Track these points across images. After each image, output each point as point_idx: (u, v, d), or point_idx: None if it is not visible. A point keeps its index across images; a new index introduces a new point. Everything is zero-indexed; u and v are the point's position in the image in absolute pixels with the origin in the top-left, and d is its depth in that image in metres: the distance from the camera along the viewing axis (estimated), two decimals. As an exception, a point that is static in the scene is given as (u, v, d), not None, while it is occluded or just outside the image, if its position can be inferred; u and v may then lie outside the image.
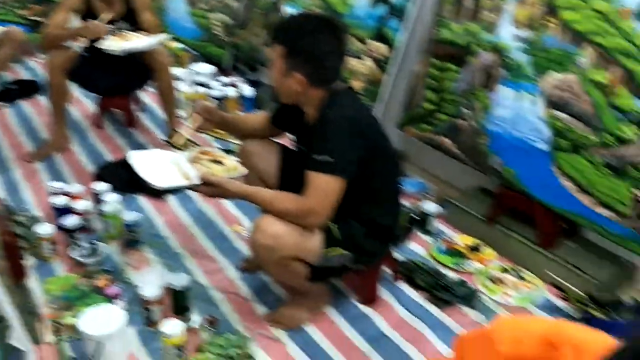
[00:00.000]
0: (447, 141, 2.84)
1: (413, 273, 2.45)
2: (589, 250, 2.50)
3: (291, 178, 2.08)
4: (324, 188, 1.84)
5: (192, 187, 2.00)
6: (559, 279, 2.44)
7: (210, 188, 1.94)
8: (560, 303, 2.37)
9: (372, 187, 2.01)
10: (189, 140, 3.23)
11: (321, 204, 1.85)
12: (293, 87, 1.91)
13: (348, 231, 1.99)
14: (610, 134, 2.23)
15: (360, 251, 2.05)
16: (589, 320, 2.14)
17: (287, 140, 2.30)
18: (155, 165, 2.09)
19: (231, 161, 2.07)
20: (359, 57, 3.22)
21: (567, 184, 2.37)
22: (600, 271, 2.39)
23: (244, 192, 1.94)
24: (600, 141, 2.26)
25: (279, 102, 2.17)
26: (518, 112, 2.52)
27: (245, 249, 2.55)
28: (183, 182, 2.01)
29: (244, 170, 2.05)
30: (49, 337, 2.00)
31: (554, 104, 2.39)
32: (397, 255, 2.47)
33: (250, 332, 2.11)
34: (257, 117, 2.34)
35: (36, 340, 1.96)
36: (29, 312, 1.97)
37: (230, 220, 2.76)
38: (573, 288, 2.38)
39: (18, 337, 1.81)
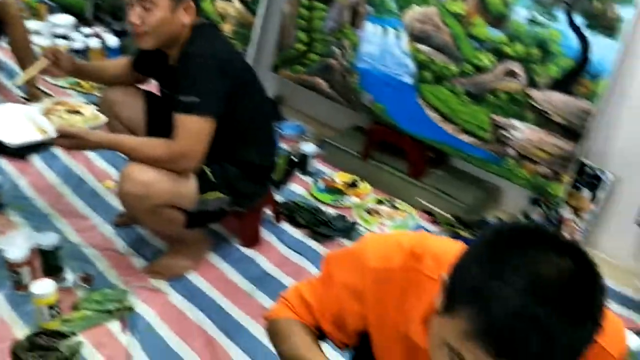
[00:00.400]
0: (320, 81, 2.86)
1: (294, 212, 2.48)
2: (456, 177, 2.65)
3: (159, 125, 2.01)
4: (194, 130, 1.79)
5: (49, 142, 1.88)
6: (430, 205, 2.57)
7: (69, 140, 1.83)
8: (432, 227, 2.50)
9: (244, 126, 1.98)
10: (42, 91, 3.04)
11: (192, 146, 1.81)
12: (181, 21, 1.83)
13: (223, 173, 1.97)
14: (469, 63, 2.34)
15: (237, 193, 2.03)
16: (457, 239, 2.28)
17: (152, 87, 2.21)
18: (5, 120, 1.93)
19: (90, 110, 1.96)
20: (227, 0, 3.14)
21: (432, 115, 2.48)
22: (467, 195, 2.55)
23: (107, 141, 1.85)
24: (460, 71, 2.37)
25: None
26: (384, 48, 2.57)
27: (116, 201, 2.46)
28: (38, 137, 1.87)
29: (105, 119, 1.95)
30: None
31: (416, 37, 2.47)
32: (278, 197, 2.49)
33: (129, 286, 2.05)
34: (118, 63, 2.22)
35: None
36: None
37: (100, 176, 2.64)
38: (442, 212, 2.52)
39: None
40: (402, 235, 1.04)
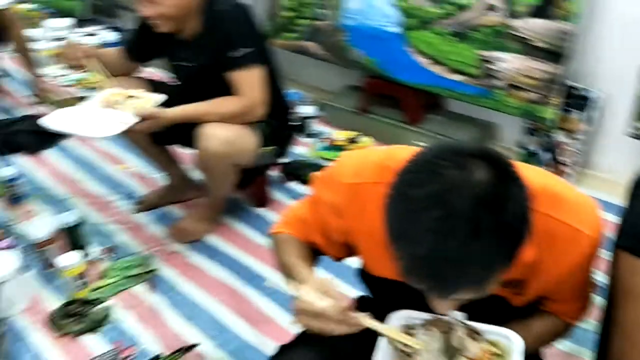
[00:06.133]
0: (312, 45, 2.94)
1: (299, 170, 2.57)
2: (452, 119, 2.72)
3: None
4: (254, 80, 1.91)
5: (132, 128, 1.88)
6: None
7: (148, 122, 1.87)
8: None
9: (272, 75, 2.03)
10: (49, 90, 3.16)
11: (259, 96, 1.92)
12: (194, 1, 1.89)
13: (269, 125, 2.04)
14: (450, 3, 2.40)
15: (281, 143, 2.14)
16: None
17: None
18: (82, 120, 1.92)
19: (143, 92, 1.99)
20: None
21: (422, 60, 2.55)
22: (464, 134, 2.62)
23: (181, 113, 1.91)
24: (443, 12, 2.43)
25: (133, 36, 2.16)
26: (368, 2, 2.64)
27: (133, 183, 2.57)
28: (126, 125, 1.85)
29: (162, 96, 1.98)
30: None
31: (397, -15, 2.54)
32: (283, 160, 2.58)
33: (151, 251, 2.17)
34: (111, 55, 2.21)
35: None
36: None
37: (114, 160, 2.75)
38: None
39: None
40: (374, 151, 1.11)
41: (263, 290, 2.00)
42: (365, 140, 2.81)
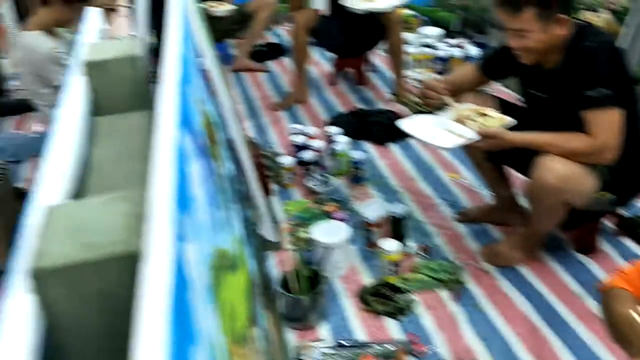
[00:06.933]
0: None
1: (637, 228, 2.33)
2: None
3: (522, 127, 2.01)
4: (610, 122, 1.83)
5: (471, 144, 2.00)
6: None
7: (489, 141, 1.96)
8: None
9: (631, 121, 1.91)
10: (408, 91, 3.43)
11: (611, 139, 1.83)
12: (556, 34, 1.85)
13: (615, 172, 1.93)
14: None
15: (622, 192, 2.02)
16: None
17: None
18: (427, 128, 2.08)
19: (496, 113, 2.09)
20: (594, 10, 3.09)
21: None
22: None
23: (521, 139, 1.93)
24: None
25: (492, 54, 2.22)
26: None
27: (460, 194, 2.65)
28: (466, 140, 1.98)
29: (512, 121, 2.06)
30: (287, 245, 2.33)
31: None
32: (622, 211, 2.37)
33: (462, 262, 2.22)
34: (466, 71, 2.33)
35: (277, 246, 2.31)
36: (273, 221, 2.32)
37: (448, 168, 2.87)
38: None
39: (267, 231, 2.17)
40: None
41: (565, 337, 1.88)
42: None
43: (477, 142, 1.97)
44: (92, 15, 1.35)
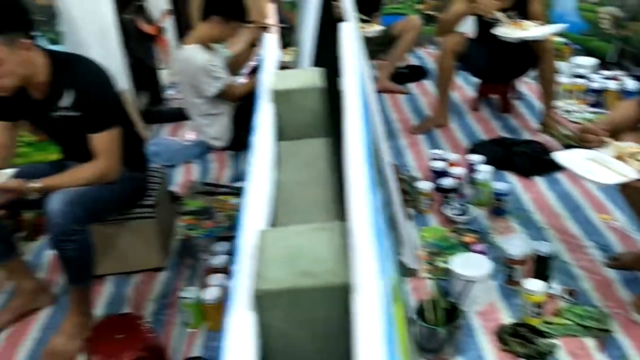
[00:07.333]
0: None
1: None
2: None
3: None
4: None
5: (632, 183, 1.91)
6: None
7: None
8: None
9: None
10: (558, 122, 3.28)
11: None
12: None
13: None
14: None
15: None
16: None
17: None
18: (584, 163, 1.98)
19: None
20: None
21: None
22: None
23: None
24: None
25: None
26: None
27: (611, 237, 2.49)
28: (625, 179, 1.89)
29: None
30: (423, 273, 2.31)
31: None
32: None
33: (610, 310, 2.08)
34: (626, 108, 2.18)
35: (414, 273, 2.29)
36: (412, 247, 2.31)
37: (598, 208, 2.71)
38: None
39: (407, 257, 2.16)
40: None
41: None
42: None
43: (635, 182, 1.87)
44: (270, 43, 1.43)
